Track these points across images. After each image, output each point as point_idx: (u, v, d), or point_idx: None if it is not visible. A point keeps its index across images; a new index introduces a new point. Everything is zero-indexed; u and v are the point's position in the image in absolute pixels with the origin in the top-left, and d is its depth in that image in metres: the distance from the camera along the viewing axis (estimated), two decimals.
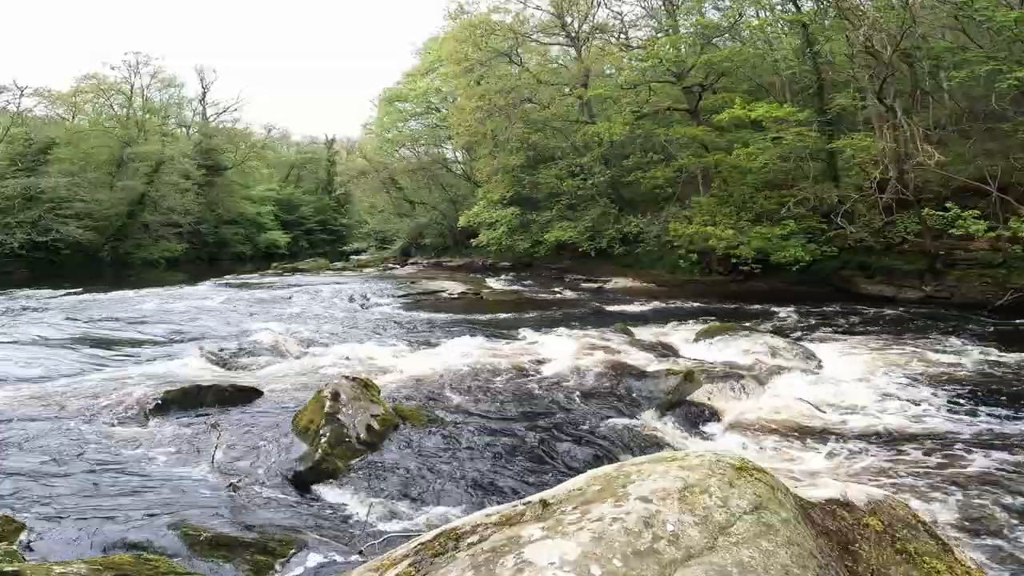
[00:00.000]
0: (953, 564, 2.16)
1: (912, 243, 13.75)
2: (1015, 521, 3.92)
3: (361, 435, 4.77)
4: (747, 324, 10.16)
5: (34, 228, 28.68)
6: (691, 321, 11.21)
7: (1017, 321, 10.44)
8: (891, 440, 5.44)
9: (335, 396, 5.01)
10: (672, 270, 18.58)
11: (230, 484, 4.18)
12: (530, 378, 6.94)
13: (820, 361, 8.05)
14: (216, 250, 39.08)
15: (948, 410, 6.20)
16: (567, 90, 23.29)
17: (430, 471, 4.51)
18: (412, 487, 4.31)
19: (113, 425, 5.16)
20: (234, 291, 17.11)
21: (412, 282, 20.37)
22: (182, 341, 9.41)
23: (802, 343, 8.98)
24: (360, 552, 3.40)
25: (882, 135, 13.34)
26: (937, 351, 8.52)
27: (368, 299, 15.60)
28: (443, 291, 17.55)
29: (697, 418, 6.04)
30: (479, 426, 5.40)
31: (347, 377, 5.45)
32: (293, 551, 3.37)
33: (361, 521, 3.91)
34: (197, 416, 5.45)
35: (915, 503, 3.97)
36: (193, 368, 7.42)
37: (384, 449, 4.78)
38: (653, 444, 5.31)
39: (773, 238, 15.20)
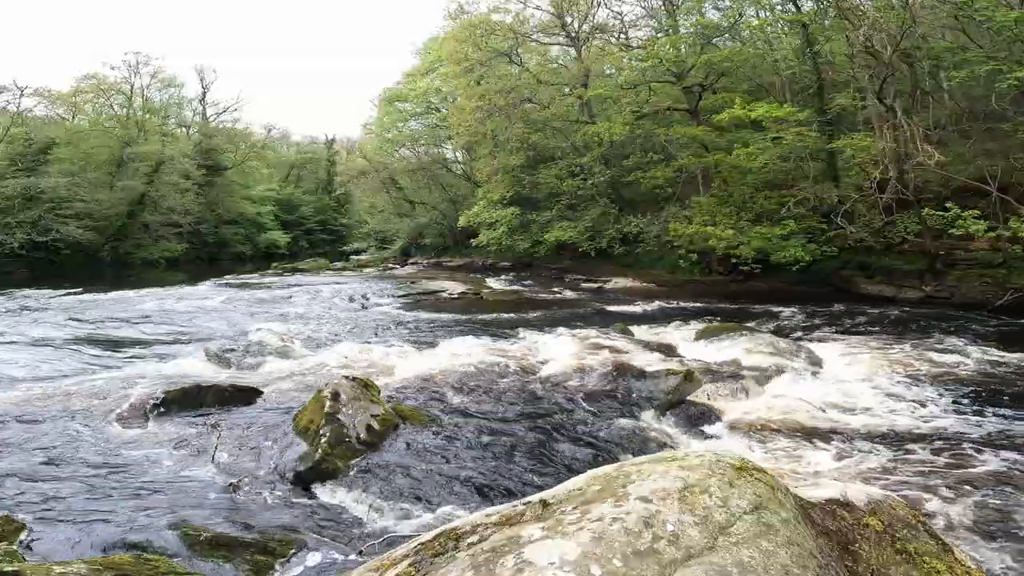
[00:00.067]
0: (953, 564, 2.16)
1: (912, 243, 13.75)
2: None
3: (361, 435, 4.77)
4: (747, 324, 10.16)
5: (34, 228, 28.67)
6: (691, 321, 11.20)
7: (1017, 321, 10.44)
8: (892, 440, 5.43)
9: (335, 396, 5.01)
10: (672, 270, 18.58)
11: (230, 484, 4.18)
12: (530, 378, 6.93)
13: (820, 361, 8.04)
14: (216, 250, 39.07)
15: (949, 410, 6.19)
16: (567, 90, 23.28)
17: (430, 471, 4.51)
18: (412, 487, 4.31)
19: (113, 425, 5.16)
20: (234, 291, 17.12)
21: (412, 282, 20.38)
22: (182, 341, 9.41)
23: (802, 343, 8.98)
24: (360, 552, 3.40)
25: (882, 135, 13.34)
26: (938, 351, 8.52)
27: (368, 299, 15.61)
28: (443, 291, 17.55)
29: (697, 418, 6.03)
30: (479, 426, 5.40)
31: (347, 377, 5.45)
32: (293, 551, 3.37)
33: (361, 521, 3.92)
34: (197, 416, 5.45)
35: (916, 503, 3.97)
36: (193, 368, 7.43)
37: (384, 449, 4.78)
38: (653, 444, 5.31)
39: (773, 238, 15.20)
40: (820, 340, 9.51)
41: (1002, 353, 8.26)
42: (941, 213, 11.88)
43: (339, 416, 4.83)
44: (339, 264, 31.21)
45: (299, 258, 36.19)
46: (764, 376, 7.13)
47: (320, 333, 9.99)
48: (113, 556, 2.91)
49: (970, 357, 8.15)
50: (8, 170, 29.69)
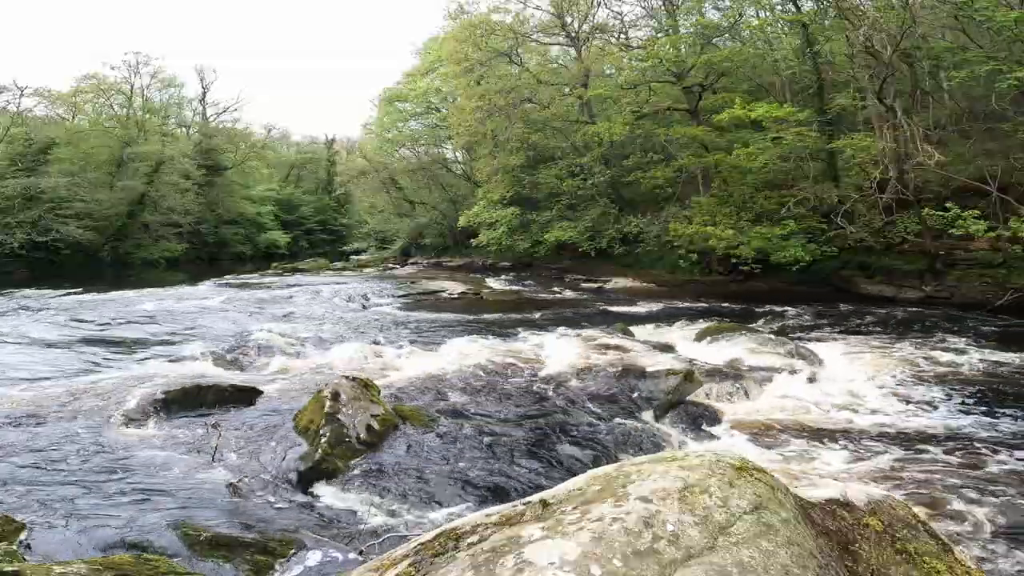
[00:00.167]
0: (953, 564, 2.16)
1: (912, 243, 13.75)
2: None
3: (361, 435, 4.77)
4: (747, 324, 10.16)
5: (34, 228, 28.67)
6: (691, 321, 11.21)
7: (1018, 321, 10.43)
8: (894, 440, 5.44)
9: (335, 396, 5.01)
10: (672, 270, 18.58)
11: (230, 484, 4.18)
12: (530, 378, 6.94)
13: (820, 361, 8.04)
14: (216, 250, 39.08)
15: (950, 410, 6.20)
16: (567, 90, 23.29)
17: (430, 471, 4.51)
18: (412, 487, 4.31)
19: (113, 425, 5.16)
20: (234, 291, 17.11)
21: (412, 282, 20.38)
22: (182, 341, 9.41)
23: (802, 343, 8.97)
24: (360, 552, 3.40)
25: (882, 135, 13.34)
26: (938, 351, 8.52)
27: (368, 299, 15.60)
28: (443, 291, 17.55)
29: (697, 418, 6.03)
30: (479, 426, 5.40)
31: (347, 377, 5.45)
32: (293, 551, 3.37)
33: (361, 521, 3.92)
34: (197, 416, 5.45)
35: (918, 503, 3.97)
36: (193, 368, 7.43)
37: (384, 449, 4.78)
38: (653, 444, 5.31)
39: (773, 238, 15.20)
40: (820, 340, 9.52)
41: (1003, 353, 8.27)
42: (941, 213, 11.88)
43: (339, 416, 4.83)
44: (339, 264, 31.20)
45: (299, 258, 36.18)
46: (764, 376, 7.13)
47: (320, 333, 9.98)
48: (113, 556, 2.91)
49: (971, 357, 8.16)
50: (8, 170, 29.69)
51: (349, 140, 53.15)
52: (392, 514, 4.01)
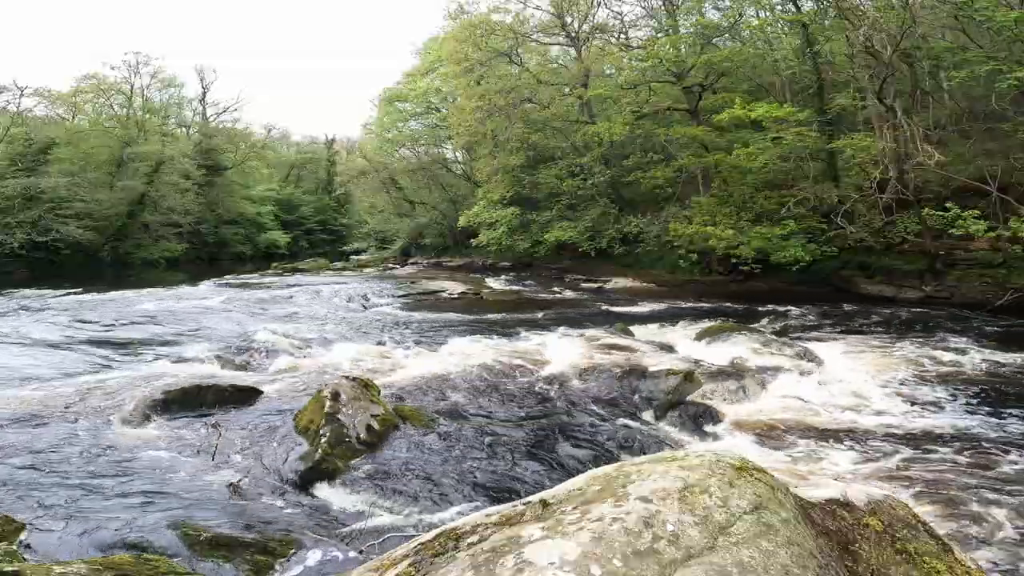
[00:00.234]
0: (953, 564, 2.16)
1: (912, 243, 13.75)
2: None
3: (361, 435, 4.77)
4: (748, 324, 10.15)
5: (34, 228, 28.66)
6: (691, 321, 11.20)
7: (1018, 321, 10.43)
8: (895, 439, 5.43)
9: (335, 396, 5.01)
10: (672, 270, 18.58)
11: (230, 484, 4.18)
12: (530, 378, 6.93)
13: (820, 361, 8.04)
14: (216, 250, 39.06)
15: (955, 410, 6.19)
16: (567, 90, 23.29)
17: (430, 471, 4.51)
18: (412, 487, 4.31)
19: (113, 425, 5.16)
20: (234, 291, 17.10)
21: (412, 282, 20.37)
22: (182, 341, 9.41)
23: (802, 343, 8.97)
24: (360, 552, 3.40)
25: (882, 135, 13.34)
26: (939, 351, 8.52)
27: (368, 299, 15.59)
28: (443, 291, 17.55)
29: (697, 418, 6.03)
30: (479, 426, 5.40)
31: (347, 377, 5.45)
32: (293, 551, 3.37)
33: (361, 521, 3.92)
34: (197, 416, 5.45)
35: (930, 504, 3.97)
36: (193, 368, 7.42)
37: (384, 449, 4.78)
38: (653, 444, 5.31)
39: (773, 238, 15.20)
40: (820, 340, 9.51)
41: (1004, 353, 8.26)
42: (941, 213, 11.88)
43: (339, 416, 4.83)
44: (339, 264, 31.19)
45: (299, 258, 36.17)
46: (765, 376, 7.13)
47: (320, 333, 9.98)
48: (113, 556, 2.90)
49: (972, 357, 8.16)
50: (8, 170, 29.68)
51: (349, 140, 53.22)
52: (392, 514, 4.01)
